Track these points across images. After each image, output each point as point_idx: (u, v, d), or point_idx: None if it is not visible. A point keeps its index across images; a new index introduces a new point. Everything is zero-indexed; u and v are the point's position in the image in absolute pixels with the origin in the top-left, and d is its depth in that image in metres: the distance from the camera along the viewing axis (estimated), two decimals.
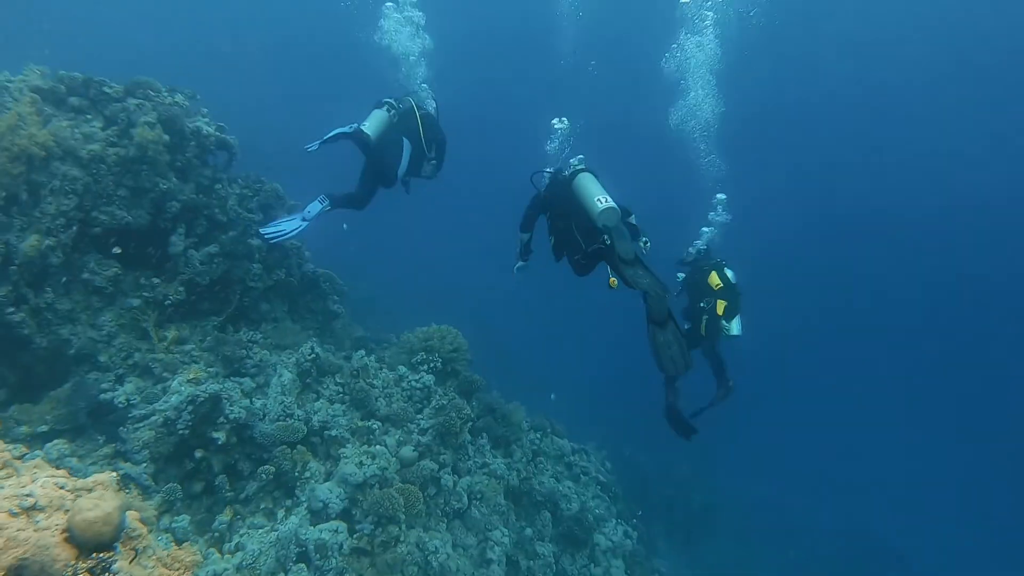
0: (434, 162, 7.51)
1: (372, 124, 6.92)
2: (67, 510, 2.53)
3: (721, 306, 7.20)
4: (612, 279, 5.49)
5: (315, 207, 6.86)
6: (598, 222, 5.54)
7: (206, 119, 7.32)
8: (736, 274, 7.55)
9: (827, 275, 37.45)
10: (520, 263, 6.89)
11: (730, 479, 19.79)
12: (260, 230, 6.87)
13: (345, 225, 6.86)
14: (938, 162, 34.42)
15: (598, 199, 5.55)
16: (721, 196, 9.01)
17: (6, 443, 4.79)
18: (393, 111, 7.18)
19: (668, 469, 17.60)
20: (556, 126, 7.45)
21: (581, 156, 6.74)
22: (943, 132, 33.22)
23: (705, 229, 8.44)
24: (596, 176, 5.95)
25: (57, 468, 3.08)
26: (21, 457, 3.10)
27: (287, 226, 6.85)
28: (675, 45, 12.53)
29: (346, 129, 6.74)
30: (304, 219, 6.85)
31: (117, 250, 6.45)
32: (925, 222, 35.40)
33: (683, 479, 17.27)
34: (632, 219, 6.13)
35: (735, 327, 7.28)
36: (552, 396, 9.57)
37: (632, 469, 15.63)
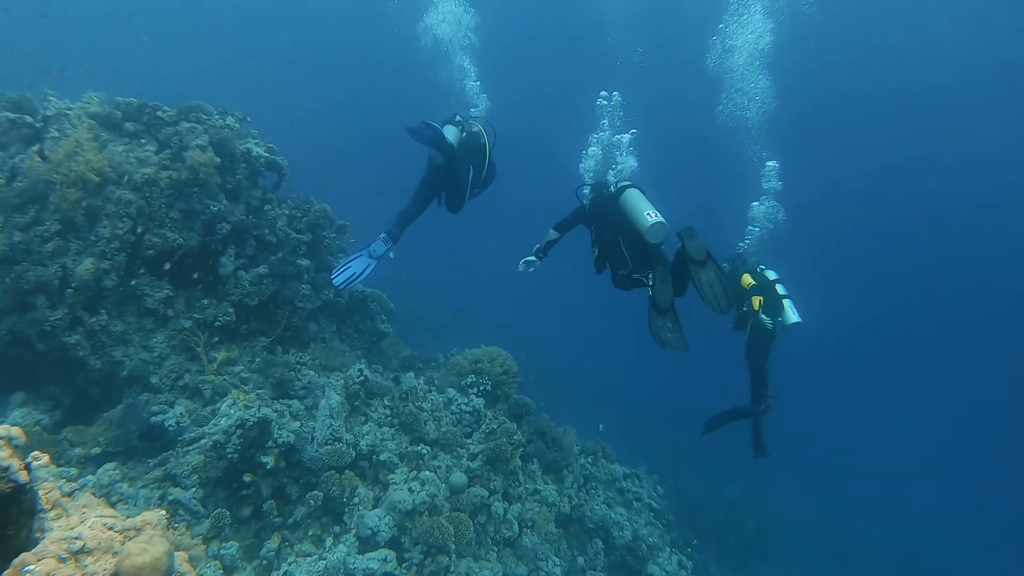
0: (479, 192, 7.41)
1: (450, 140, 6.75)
2: (116, 552, 2.43)
3: (757, 302, 6.96)
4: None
5: (379, 246, 6.72)
6: (647, 236, 5.61)
7: (256, 140, 7.36)
8: (779, 272, 7.24)
9: (878, 283, 36.15)
10: (531, 258, 6.58)
11: (782, 499, 19.23)
12: (332, 279, 6.74)
13: (392, 254, 6.82)
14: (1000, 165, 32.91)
15: (648, 214, 5.60)
16: (772, 164, 8.64)
17: (58, 468, 4.80)
18: (465, 133, 7.04)
19: (718, 490, 17.15)
20: (602, 103, 7.40)
21: (634, 130, 6.82)
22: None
23: (741, 244, 8.21)
24: (643, 192, 5.95)
25: (108, 503, 2.99)
26: (71, 494, 3.04)
27: (356, 267, 6.70)
28: (721, 26, 12.11)
29: (443, 132, 6.56)
30: (371, 257, 6.73)
31: (195, 275, 6.54)
32: (990, 225, 33.83)
33: (734, 501, 16.77)
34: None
35: (791, 315, 6.87)
36: (600, 427, 9.32)
37: (682, 492, 15.22)
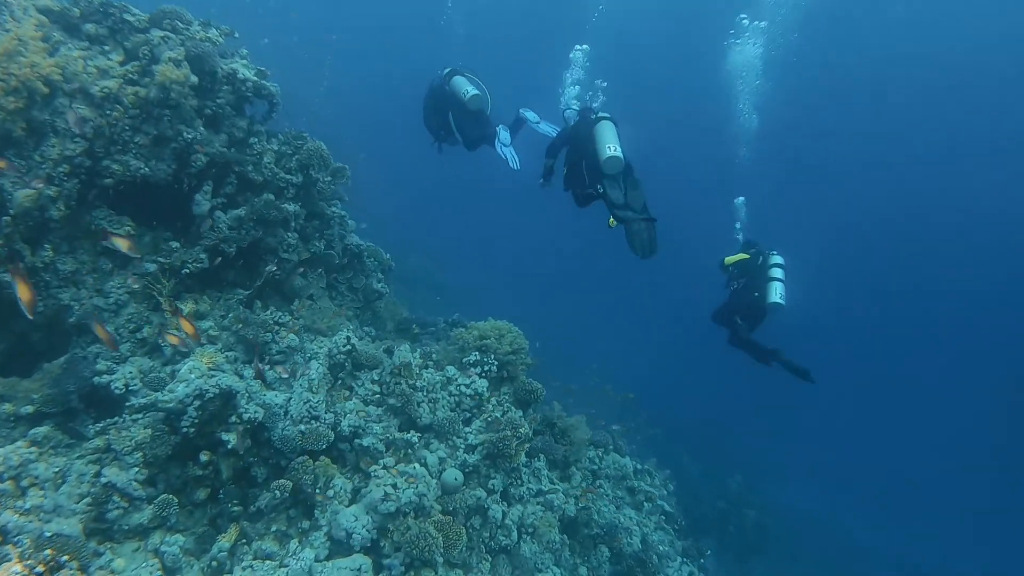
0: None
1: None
2: None
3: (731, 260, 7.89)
4: (611, 220, 6.18)
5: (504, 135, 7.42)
6: (603, 168, 6.18)
7: (244, 61, 6.30)
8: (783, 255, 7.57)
9: (887, 278, 35.23)
10: (542, 180, 7.35)
11: (782, 492, 18.85)
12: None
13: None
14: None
15: (609, 146, 6.16)
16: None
17: None
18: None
19: (720, 478, 16.57)
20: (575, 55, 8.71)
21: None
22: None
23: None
24: (616, 125, 6.42)
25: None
26: None
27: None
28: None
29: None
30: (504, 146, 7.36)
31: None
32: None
33: (736, 492, 16.16)
34: (635, 173, 6.52)
35: (772, 295, 7.18)
36: (537, 344, 8.67)
37: (684, 480, 14.54)
